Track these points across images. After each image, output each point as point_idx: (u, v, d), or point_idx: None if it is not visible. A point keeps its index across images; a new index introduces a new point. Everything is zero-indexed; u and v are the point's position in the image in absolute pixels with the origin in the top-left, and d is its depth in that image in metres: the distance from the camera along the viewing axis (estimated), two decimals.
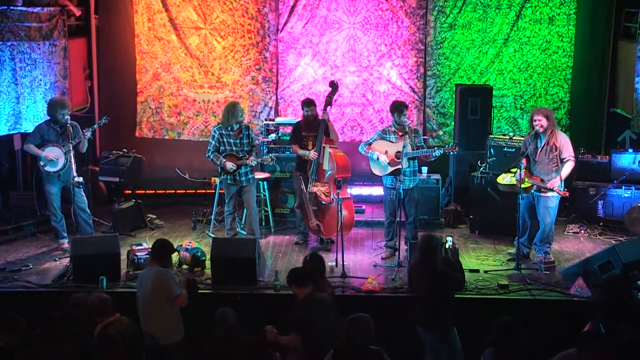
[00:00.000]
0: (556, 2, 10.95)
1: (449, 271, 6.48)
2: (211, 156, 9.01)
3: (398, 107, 8.77)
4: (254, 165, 9.00)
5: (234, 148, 8.98)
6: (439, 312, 6.39)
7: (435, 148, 8.61)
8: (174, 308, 6.37)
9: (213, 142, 9.00)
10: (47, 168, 8.83)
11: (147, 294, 6.35)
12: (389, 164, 8.70)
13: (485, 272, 8.29)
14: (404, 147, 8.53)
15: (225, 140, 8.98)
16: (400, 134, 8.72)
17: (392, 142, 8.74)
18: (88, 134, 9.01)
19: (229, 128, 8.96)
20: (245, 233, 9.33)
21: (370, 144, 8.85)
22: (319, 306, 6.06)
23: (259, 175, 9.89)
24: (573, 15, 10.98)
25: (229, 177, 9.02)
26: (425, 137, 9.13)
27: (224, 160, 8.91)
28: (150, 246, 8.54)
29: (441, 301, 6.40)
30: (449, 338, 6.43)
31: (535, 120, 8.30)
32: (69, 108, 8.97)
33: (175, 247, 7.21)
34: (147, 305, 6.34)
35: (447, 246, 7.06)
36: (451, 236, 8.03)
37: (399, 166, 8.59)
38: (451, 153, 9.14)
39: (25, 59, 9.81)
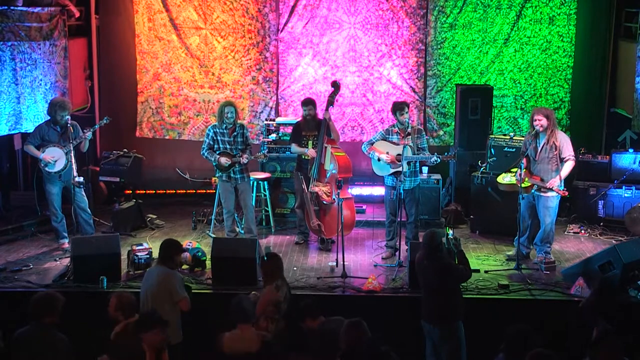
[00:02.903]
0: (556, 2, 10.95)
1: (453, 264, 6.52)
2: (205, 154, 9.09)
3: (399, 107, 8.78)
4: (246, 162, 8.99)
5: (228, 146, 9.01)
6: (445, 307, 6.43)
7: (434, 155, 8.56)
8: (176, 310, 6.37)
9: (207, 140, 9.09)
10: (48, 169, 8.83)
11: (150, 293, 6.36)
12: (390, 165, 8.70)
13: (486, 272, 8.29)
14: (404, 150, 8.53)
15: (219, 138, 9.03)
16: (402, 134, 8.72)
17: (394, 142, 8.74)
18: (88, 135, 9.02)
19: (223, 126, 9.00)
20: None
21: (372, 144, 8.85)
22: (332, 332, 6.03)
23: (259, 175, 9.91)
24: (573, 15, 10.98)
25: (224, 175, 9.05)
26: (426, 137, 9.11)
27: (217, 156, 8.97)
28: (156, 246, 8.62)
29: (446, 295, 6.44)
30: (455, 332, 6.44)
31: (536, 120, 8.30)
32: (69, 110, 8.96)
33: (182, 246, 7.26)
34: (149, 303, 6.34)
35: (449, 237, 7.04)
36: (452, 228, 8.03)
37: (400, 168, 8.59)
38: (449, 161, 9.11)
39: (25, 59, 9.81)
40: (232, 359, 5.68)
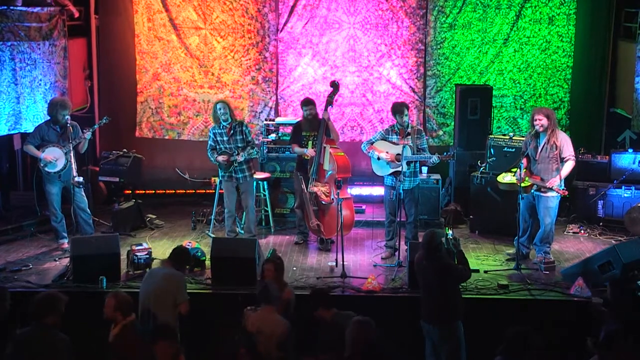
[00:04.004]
0: (556, 2, 10.96)
1: (452, 264, 6.54)
2: (209, 155, 9.12)
3: (399, 109, 8.75)
4: (241, 159, 8.97)
5: (227, 145, 9.02)
6: (444, 307, 6.43)
7: (435, 155, 8.58)
8: (175, 311, 6.39)
9: (209, 142, 9.13)
10: (48, 169, 8.83)
11: (153, 292, 6.37)
12: (389, 165, 8.70)
13: (485, 272, 8.29)
14: (403, 149, 8.53)
15: (218, 139, 9.05)
16: (402, 134, 8.72)
17: (394, 142, 8.74)
18: (88, 135, 9.02)
19: (221, 126, 9.01)
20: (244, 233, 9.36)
21: (372, 143, 8.85)
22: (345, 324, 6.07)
23: (259, 175, 9.90)
24: (573, 15, 10.98)
25: (225, 174, 9.06)
26: (426, 137, 9.10)
27: (216, 155, 9.00)
28: (155, 247, 8.76)
29: (446, 296, 6.44)
30: (454, 333, 6.44)
31: (536, 120, 8.30)
32: (69, 109, 8.98)
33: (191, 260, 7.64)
34: (151, 303, 6.35)
35: (448, 237, 7.05)
36: (451, 228, 8.05)
37: (399, 168, 8.59)
38: (448, 161, 9.16)
39: (25, 59, 9.81)
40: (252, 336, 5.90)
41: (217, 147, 9.07)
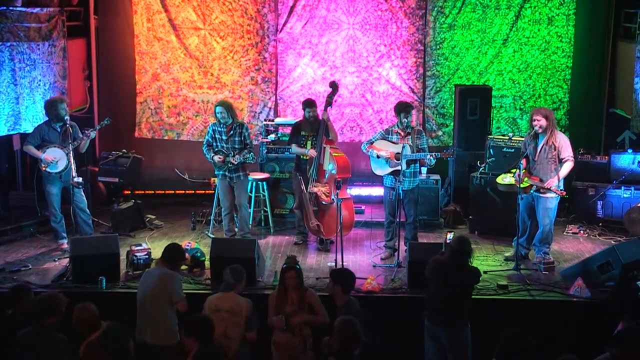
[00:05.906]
0: (555, 2, 10.96)
1: (478, 270, 6.56)
2: (204, 150, 9.16)
3: (405, 109, 8.71)
4: (235, 163, 8.98)
5: (224, 145, 9.02)
6: (459, 310, 6.39)
7: (433, 155, 8.56)
8: (173, 311, 6.39)
9: (207, 138, 9.18)
10: (49, 169, 8.82)
11: (149, 292, 6.38)
12: (388, 164, 8.69)
13: (485, 272, 8.27)
14: (403, 148, 8.53)
15: (216, 136, 9.07)
16: (402, 134, 8.72)
17: (393, 142, 8.74)
18: (92, 134, 9.00)
19: (221, 125, 9.02)
20: None
21: (372, 143, 8.85)
22: (357, 312, 6.07)
23: (258, 175, 9.91)
24: (572, 15, 10.99)
25: (220, 173, 9.09)
26: (426, 137, 9.10)
27: (212, 154, 9.04)
28: (154, 247, 8.69)
29: (463, 299, 6.43)
30: (464, 335, 6.42)
31: (535, 121, 8.30)
32: (67, 102, 9.01)
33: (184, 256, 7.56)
34: (147, 304, 6.37)
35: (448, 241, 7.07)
36: (452, 232, 8.06)
37: (399, 167, 8.59)
38: (448, 158, 9.16)
39: (24, 59, 9.81)
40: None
41: (214, 144, 9.09)
